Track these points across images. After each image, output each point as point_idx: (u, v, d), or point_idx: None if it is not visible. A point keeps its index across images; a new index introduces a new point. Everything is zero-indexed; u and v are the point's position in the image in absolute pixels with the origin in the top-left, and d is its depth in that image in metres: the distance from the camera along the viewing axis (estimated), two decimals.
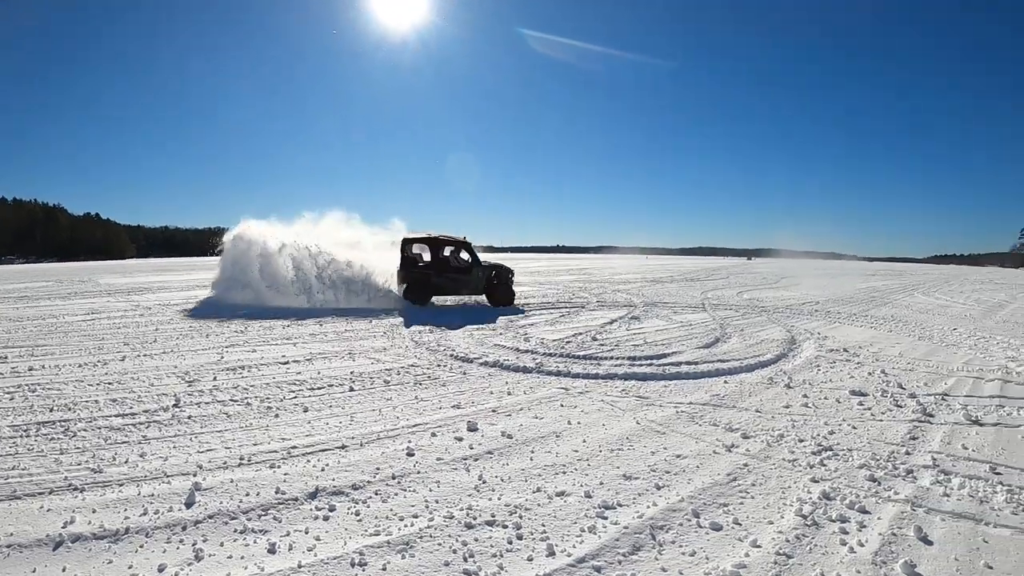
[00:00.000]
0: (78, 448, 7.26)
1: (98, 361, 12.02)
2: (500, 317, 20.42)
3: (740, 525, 5.84)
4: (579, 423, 8.81)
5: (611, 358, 13.45)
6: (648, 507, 6.15)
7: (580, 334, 16.70)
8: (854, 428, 8.96)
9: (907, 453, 7.96)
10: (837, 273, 65.64)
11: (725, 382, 11.58)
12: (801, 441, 8.30)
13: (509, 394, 10.28)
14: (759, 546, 5.44)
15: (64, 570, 4.77)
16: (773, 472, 7.20)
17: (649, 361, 13.17)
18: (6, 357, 12.42)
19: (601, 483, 6.71)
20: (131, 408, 8.83)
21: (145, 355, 12.71)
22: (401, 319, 19.34)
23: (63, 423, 8.16)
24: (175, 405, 9.00)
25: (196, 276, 39.67)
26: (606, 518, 5.88)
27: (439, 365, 12.46)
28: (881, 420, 9.40)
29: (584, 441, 8.07)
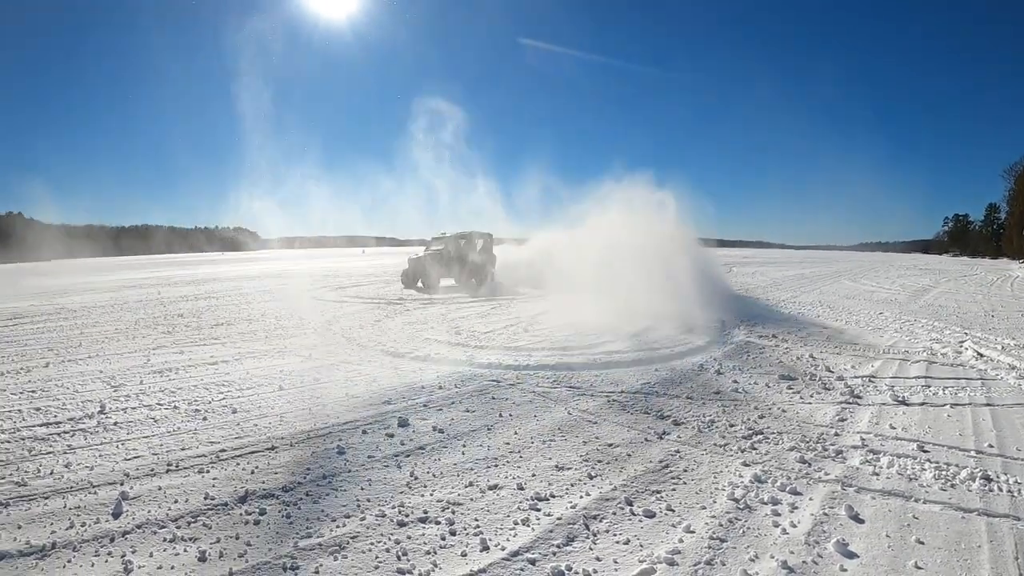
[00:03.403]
0: (1, 461, 7.05)
1: (21, 368, 11.69)
2: (432, 309, 20.46)
3: (673, 511, 5.93)
4: (510, 415, 8.83)
5: (542, 348, 13.53)
6: (581, 497, 6.21)
7: (511, 325, 16.79)
8: (784, 411, 9.14)
9: (836, 434, 8.15)
10: (766, 261, 66.57)
11: (656, 370, 11.69)
12: (732, 426, 8.44)
13: (440, 388, 10.24)
14: (693, 531, 5.53)
15: None
16: (705, 457, 7.31)
17: (580, 351, 13.27)
18: None
19: (534, 475, 6.75)
20: (55, 416, 8.60)
21: (70, 360, 12.40)
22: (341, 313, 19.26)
23: None
24: (101, 412, 8.80)
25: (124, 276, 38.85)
26: (539, 510, 5.92)
27: (370, 361, 12.38)
28: (810, 403, 9.60)
29: (516, 433, 8.10)
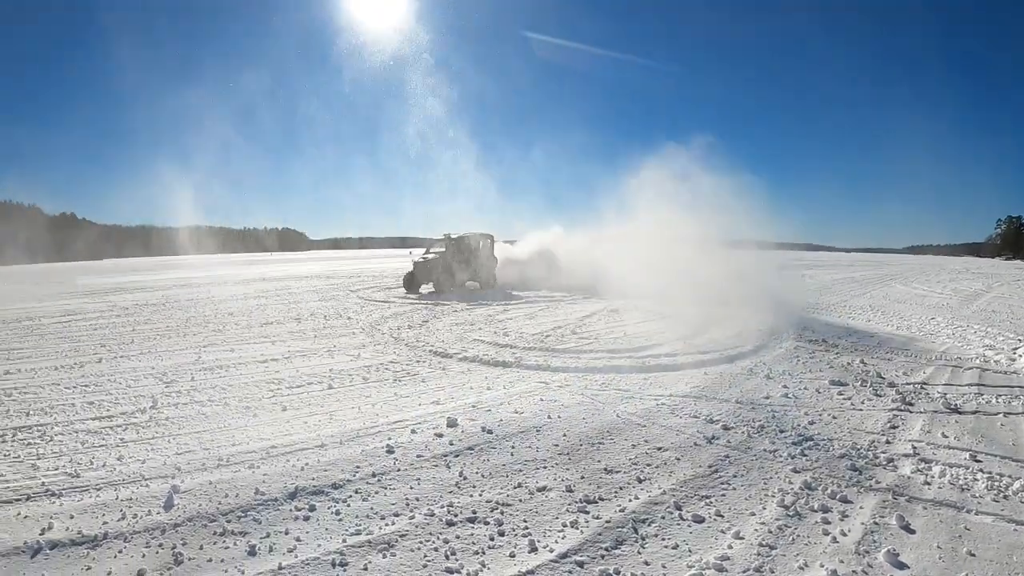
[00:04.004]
0: (55, 452, 7.18)
1: (74, 363, 11.90)
2: (479, 310, 20.49)
3: (722, 517, 5.86)
4: (559, 417, 8.76)
5: (591, 351, 13.45)
6: (630, 500, 6.16)
7: (559, 328, 16.71)
8: (834, 418, 8.98)
9: (888, 442, 7.99)
10: (813, 264, 65.82)
11: (705, 374, 11.56)
12: (782, 432, 8.31)
13: (489, 389, 10.24)
14: (742, 538, 5.46)
15: None
16: (754, 463, 7.21)
17: (629, 354, 13.17)
18: None
19: (582, 477, 6.71)
20: (108, 411, 8.76)
21: (122, 356, 12.61)
22: (389, 313, 19.38)
23: (40, 427, 8.07)
24: (152, 406, 8.93)
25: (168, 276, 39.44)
26: (588, 512, 5.88)
27: (418, 361, 12.43)
28: (861, 409, 9.42)
29: (565, 435, 8.04)
